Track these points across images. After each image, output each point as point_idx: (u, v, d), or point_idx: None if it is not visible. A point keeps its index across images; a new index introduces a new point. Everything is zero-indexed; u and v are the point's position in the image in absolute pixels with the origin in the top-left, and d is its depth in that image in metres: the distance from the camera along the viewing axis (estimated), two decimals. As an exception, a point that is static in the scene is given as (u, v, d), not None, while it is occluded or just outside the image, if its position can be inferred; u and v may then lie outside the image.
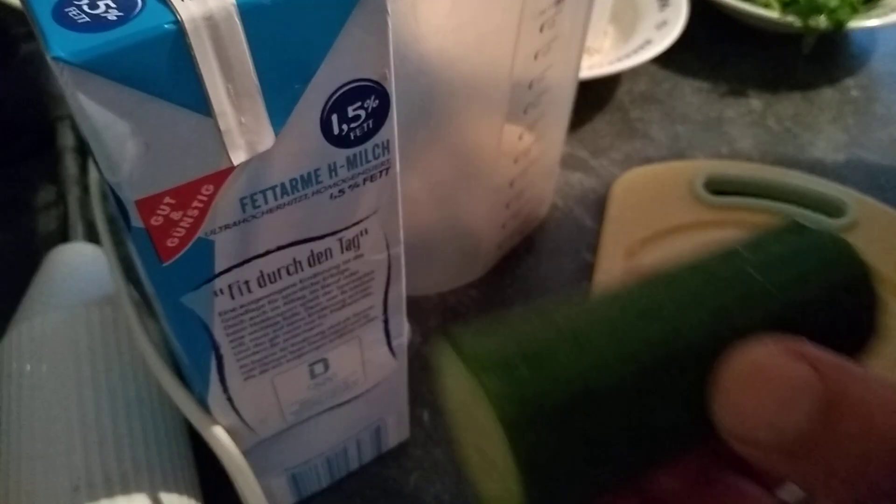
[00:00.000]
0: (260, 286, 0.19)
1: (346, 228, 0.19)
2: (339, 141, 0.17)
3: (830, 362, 0.13)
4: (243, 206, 0.17)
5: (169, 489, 0.24)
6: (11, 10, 0.39)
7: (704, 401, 0.14)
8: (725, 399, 0.14)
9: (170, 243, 0.16)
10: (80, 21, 0.13)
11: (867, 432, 0.12)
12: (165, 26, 0.13)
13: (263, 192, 0.17)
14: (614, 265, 0.37)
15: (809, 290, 0.15)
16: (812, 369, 0.13)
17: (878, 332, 0.16)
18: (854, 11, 0.49)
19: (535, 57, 0.29)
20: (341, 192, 0.18)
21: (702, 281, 0.15)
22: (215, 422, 0.22)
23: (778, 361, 0.13)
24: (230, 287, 0.18)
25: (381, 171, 0.19)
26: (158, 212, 0.15)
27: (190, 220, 0.16)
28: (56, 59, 0.12)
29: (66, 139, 0.37)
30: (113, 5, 0.13)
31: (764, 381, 0.13)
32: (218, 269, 0.18)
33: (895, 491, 0.12)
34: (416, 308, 0.36)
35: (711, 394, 0.14)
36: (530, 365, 0.13)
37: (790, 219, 0.17)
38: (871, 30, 0.55)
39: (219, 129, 0.15)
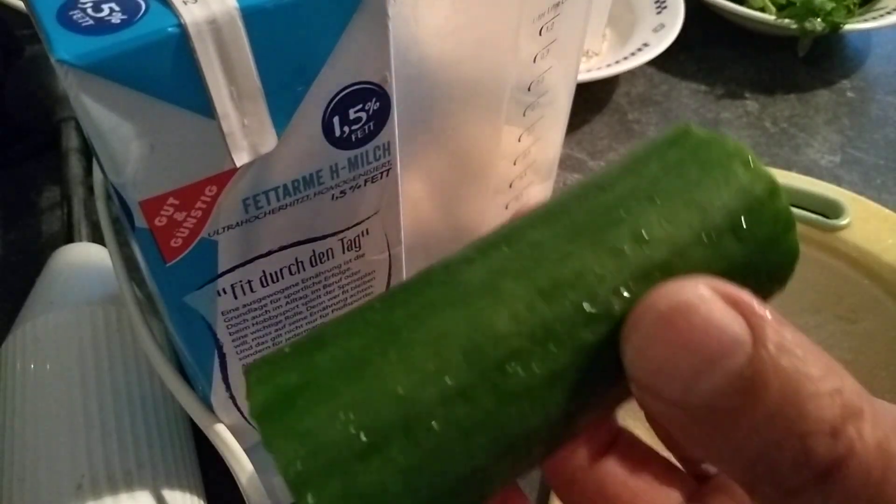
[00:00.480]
0: (262, 286, 0.19)
1: (348, 229, 0.19)
2: (341, 143, 0.17)
3: (770, 320, 0.11)
4: (246, 206, 0.17)
5: (172, 486, 0.24)
6: (16, 12, 0.39)
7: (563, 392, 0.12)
8: (639, 340, 0.11)
9: (173, 244, 0.16)
10: (84, 24, 0.13)
11: (788, 417, 0.10)
12: (169, 29, 0.13)
13: (266, 193, 0.17)
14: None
15: (694, 224, 0.13)
16: (745, 324, 0.11)
17: (794, 260, 0.14)
18: (849, 14, 0.49)
19: (534, 60, 0.29)
20: (343, 193, 0.18)
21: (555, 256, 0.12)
22: (218, 420, 0.22)
23: (707, 307, 0.11)
24: (233, 287, 0.18)
25: (381, 173, 0.19)
26: (162, 212, 0.16)
27: (193, 221, 0.16)
28: (60, 61, 0.12)
29: (71, 140, 0.37)
30: (117, 8, 0.13)
31: (687, 328, 0.11)
32: (221, 269, 0.18)
33: (798, 485, 0.10)
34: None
35: (624, 331, 0.12)
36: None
37: (680, 124, 0.14)
38: (867, 32, 0.56)
39: (222, 132, 0.15)
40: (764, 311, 0.11)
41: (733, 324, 0.11)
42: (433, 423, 0.11)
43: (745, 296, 0.11)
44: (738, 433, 0.11)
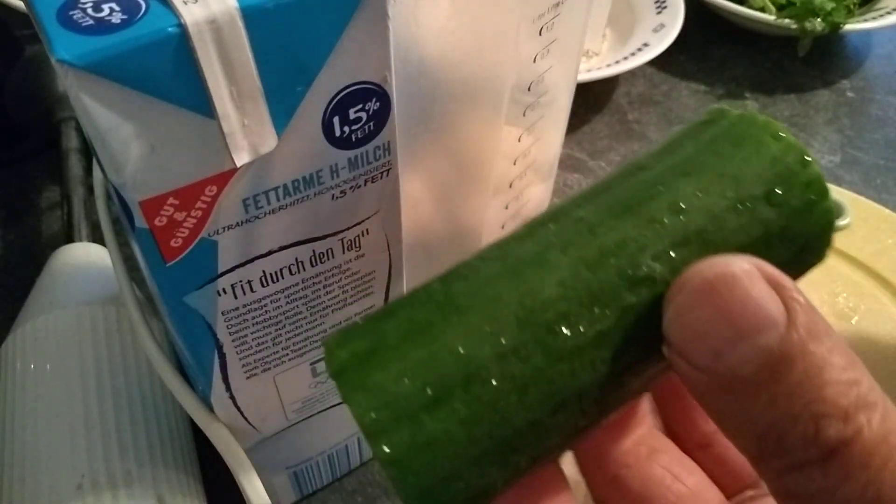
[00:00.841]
0: (262, 286, 0.19)
1: (348, 229, 0.19)
2: (341, 143, 0.17)
3: (805, 307, 0.11)
4: (246, 206, 0.17)
5: (172, 487, 0.24)
6: (16, 12, 0.39)
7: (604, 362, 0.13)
8: (681, 302, 0.12)
9: (173, 244, 0.16)
10: (84, 24, 0.13)
11: (806, 397, 0.11)
12: (169, 29, 0.13)
13: (266, 193, 0.17)
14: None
15: (727, 193, 0.13)
16: (782, 306, 0.11)
17: (829, 228, 0.14)
18: (849, 14, 0.49)
19: (534, 60, 0.29)
20: (343, 193, 0.18)
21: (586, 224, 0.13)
22: (218, 420, 0.22)
23: (750, 283, 0.11)
24: (233, 287, 0.18)
25: (381, 173, 0.19)
26: (162, 212, 0.16)
27: (193, 221, 0.16)
28: (61, 61, 0.12)
29: (71, 140, 0.37)
30: (117, 8, 0.13)
31: (728, 299, 0.11)
32: (221, 269, 0.18)
33: (803, 461, 0.11)
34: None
35: (668, 293, 0.12)
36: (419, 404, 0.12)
37: (714, 107, 0.15)
38: (867, 32, 0.56)
39: (222, 131, 0.15)
40: (801, 297, 0.12)
41: (771, 303, 0.11)
42: (490, 378, 0.12)
43: (787, 280, 0.12)
44: (756, 405, 0.11)
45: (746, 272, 0.12)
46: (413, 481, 0.12)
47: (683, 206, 0.13)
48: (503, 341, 0.12)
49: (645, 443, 0.16)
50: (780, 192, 0.13)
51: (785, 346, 0.11)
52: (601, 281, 0.13)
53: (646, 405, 0.17)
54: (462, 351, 0.12)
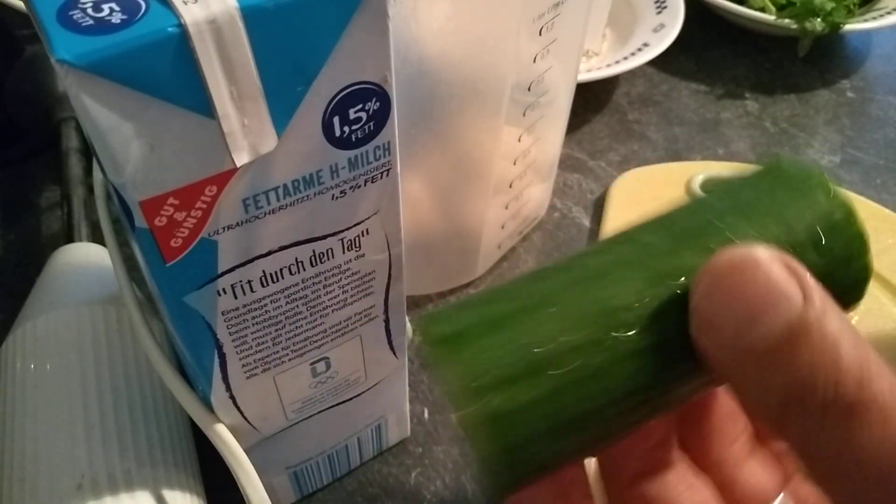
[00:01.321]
0: (262, 286, 0.19)
1: (348, 229, 0.20)
2: (341, 143, 0.17)
3: (819, 292, 0.13)
4: (246, 206, 0.17)
5: (172, 487, 0.24)
6: (16, 12, 0.39)
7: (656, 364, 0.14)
8: (707, 284, 0.13)
9: (173, 244, 0.16)
10: (84, 24, 0.13)
11: (824, 365, 0.12)
12: (169, 29, 0.13)
13: (266, 193, 0.17)
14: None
15: (780, 237, 0.15)
16: (798, 287, 0.12)
17: (866, 279, 0.16)
18: (849, 14, 0.49)
19: (534, 60, 0.29)
20: (343, 193, 0.18)
21: (660, 238, 0.15)
22: (218, 420, 0.22)
23: (769, 266, 0.13)
24: (233, 287, 0.18)
25: (382, 173, 0.19)
26: (162, 212, 0.16)
27: (193, 221, 0.16)
28: (60, 61, 0.12)
29: (71, 140, 0.37)
30: (117, 8, 0.13)
31: (748, 279, 0.13)
32: (221, 269, 0.18)
33: (824, 421, 0.12)
34: (416, 307, 0.36)
35: (696, 277, 0.14)
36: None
37: (773, 158, 0.17)
38: (867, 32, 0.56)
39: (222, 131, 0.15)
40: (817, 285, 0.13)
41: (789, 284, 0.13)
42: (552, 370, 0.14)
43: (804, 270, 0.13)
44: (777, 374, 0.12)
45: (766, 256, 0.13)
46: (486, 446, 0.14)
47: (738, 241, 0.15)
48: (564, 340, 0.14)
49: (661, 455, 0.18)
50: (825, 243, 0.15)
51: (802, 321, 0.12)
52: (658, 298, 0.14)
53: (665, 424, 0.18)
54: (532, 342, 0.14)
